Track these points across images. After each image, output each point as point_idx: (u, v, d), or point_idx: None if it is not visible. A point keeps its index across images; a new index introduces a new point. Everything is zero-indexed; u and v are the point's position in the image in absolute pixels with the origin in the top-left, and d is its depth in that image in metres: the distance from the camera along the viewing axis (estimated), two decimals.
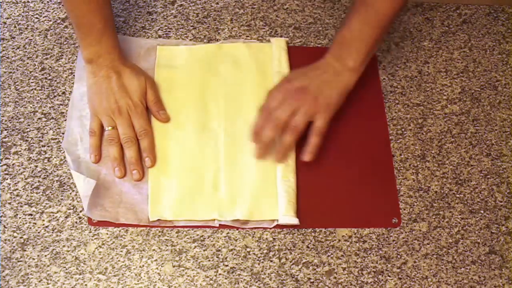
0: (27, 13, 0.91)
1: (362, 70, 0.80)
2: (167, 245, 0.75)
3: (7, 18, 0.91)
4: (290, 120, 0.76)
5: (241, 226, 0.76)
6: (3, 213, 0.76)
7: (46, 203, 0.77)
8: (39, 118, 0.83)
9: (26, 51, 0.88)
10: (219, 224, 0.76)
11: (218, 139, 0.81)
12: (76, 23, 0.79)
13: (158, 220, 0.75)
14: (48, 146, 0.81)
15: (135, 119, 0.79)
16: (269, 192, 0.78)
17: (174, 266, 0.74)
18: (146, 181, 0.78)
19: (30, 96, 0.84)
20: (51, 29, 0.90)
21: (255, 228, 0.76)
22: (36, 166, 0.79)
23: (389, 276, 0.74)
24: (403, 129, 0.85)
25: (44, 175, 0.79)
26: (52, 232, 0.75)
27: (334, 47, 0.81)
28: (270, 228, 0.76)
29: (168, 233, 0.76)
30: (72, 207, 0.77)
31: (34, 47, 0.88)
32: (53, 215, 0.76)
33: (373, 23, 0.78)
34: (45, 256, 0.74)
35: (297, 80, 0.80)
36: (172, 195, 0.77)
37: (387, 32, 0.85)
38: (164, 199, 0.77)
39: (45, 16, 0.91)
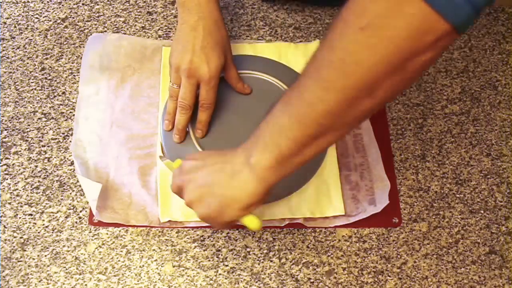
0: (27, 13, 0.91)
1: (275, 182, 0.58)
2: (167, 245, 0.75)
3: (7, 18, 0.91)
4: None
5: None
6: (3, 213, 0.76)
7: (46, 203, 0.77)
8: (39, 118, 0.83)
9: (26, 51, 0.88)
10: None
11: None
12: None
13: (169, 221, 0.75)
14: (48, 146, 0.81)
15: (204, 90, 0.76)
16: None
17: (174, 266, 0.74)
18: (155, 181, 0.78)
19: (30, 96, 0.84)
20: (51, 29, 0.90)
21: (266, 227, 0.76)
22: (36, 166, 0.79)
23: (389, 276, 0.74)
24: (403, 129, 0.85)
25: (44, 175, 0.79)
26: (52, 232, 0.75)
27: (249, 139, 0.60)
28: (282, 227, 0.76)
29: (168, 233, 0.76)
30: (72, 207, 0.77)
31: (34, 47, 0.88)
32: (53, 215, 0.76)
33: (301, 117, 0.54)
34: (45, 256, 0.74)
35: (187, 175, 0.63)
36: None
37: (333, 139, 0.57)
38: (174, 200, 0.76)
39: (45, 16, 0.91)
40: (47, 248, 0.74)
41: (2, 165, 0.79)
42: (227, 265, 0.74)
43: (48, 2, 0.93)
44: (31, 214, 0.76)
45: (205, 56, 0.75)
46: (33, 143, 0.81)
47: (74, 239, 0.75)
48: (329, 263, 0.75)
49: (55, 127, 0.82)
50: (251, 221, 0.61)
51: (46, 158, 0.80)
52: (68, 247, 0.74)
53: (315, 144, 0.55)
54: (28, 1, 0.93)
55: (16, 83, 0.85)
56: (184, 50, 0.75)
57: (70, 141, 0.80)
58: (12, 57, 0.87)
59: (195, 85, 0.76)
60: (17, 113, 0.83)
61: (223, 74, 0.80)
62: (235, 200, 0.59)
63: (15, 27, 0.90)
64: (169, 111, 0.79)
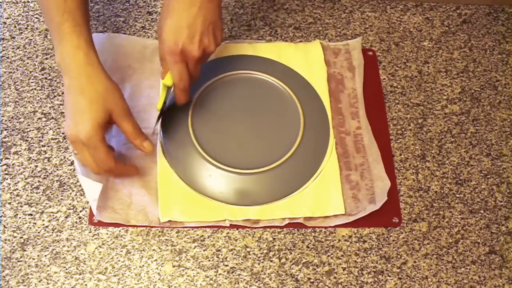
0: (27, 13, 0.91)
1: None
2: (167, 245, 0.75)
3: (7, 18, 0.91)
4: None
5: (252, 225, 0.76)
6: (3, 213, 0.76)
7: (46, 203, 0.77)
8: (39, 118, 0.83)
9: (26, 51, 0.88)
10: (230, 224, 0.76)
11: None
12: (43, 13, 0.70)
13: (169, 221, 0.75)
14: (48, 146, 0.81)
15: (91, 154, 0.71)
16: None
17: (174, 266, 0.74)
18: (155, 181, 0.78)
19: (30, 96, 0.84)
20: None
21: (266, 227, 0.76)
22: (36, 166, 0.79)
23: (389, 276, 0.74)
24: (403, 129, 0.85)
25: (44, 175, 0.79)
26: (52, 232, 0.75)
27: None
28: (282, 227, 0.76)
29: (168, 233, 0.76)
30: (72, 207, 0.77)
31: (34, 47, 0.88)
32: (53, 215, 0.76)
33: None
34: (45, 256, 0.74)
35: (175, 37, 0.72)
36: (182, 196, 0.77)
37: None
38: (174, 200, 0.76)
39: None
40: (47, 248, 0.74)
41: (2, 165, 0.79)
42: (227, 265, 0.74)
43: None
44: (31, 214, 0.76)
45: (79, 118, 0.69)
46: (33, 143, 0.81)
47: (74, 239, 0.75)
48: (329, 263, 0.75)
49: (55, 127, 0.82)
50: None
51: (46, 158, 0.80)
52: (68, 247, 0.74)
53: None
54: (28, 1, 0.93)
55: (16, 83, 0.85)
56: (65, 116, 0.71)
57: None
58: (12, 57, 0.87)
59: (85, 148, 0.70)
60: (17, 113, 0.83)
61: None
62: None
63: (15, 27, 0.90)
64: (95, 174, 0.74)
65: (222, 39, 0.76)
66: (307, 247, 0.75)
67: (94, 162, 0.71)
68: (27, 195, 0.77)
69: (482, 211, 0.79)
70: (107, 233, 0.75)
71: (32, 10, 0.92)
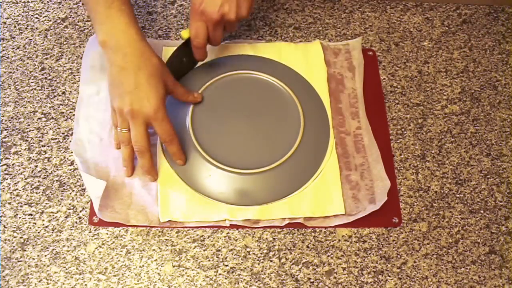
0: (27, 13, 0.91)
1: None
2: (167, 245, 0.75)
3: (7, 18, 0.91)
4: None
5: (252, 225, 0.76)
6: (3, 213, 0.76)
7: (46, 203, 0.77)
8: (39, 118, 0.83)
9: (26, 51, 0.88)
10: (230, 224, 0.76)
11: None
12: None
13: (169, 221, 0.75)
14: (48, 146, 0.81)
15: (156, 126, 0.73)
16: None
17: (174, 266, 0.74)
18: (156, 182, 0.78)
19: (30, 96, 0.84)
20: (51, 29, 0.90)
21: (266, 227, 0.76)
22: (36, 166, 0.79)
23: (389, 276, 0.74)
24: (403, 129, 0.85)
25: (44, 175, 0.79)
26: (52, 232, 0.75)
27: None
28: (282, 227, 0.76)
29: (168, 233, 0.76)
30: (72, 207, 0.77)
31: (34, 47, 0.88)
32: (53, 215, 0.76)
33: None
34: (45, 256, 0.74)
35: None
36: (182, 196, 0.77)
37: None
38: (174, 200, 0.76)
39: (45, 16, 0.91)
40: (47, 248, 0.74)
41: (2, 165, 0.79)
42: (227, 265, 0.74)
43: (48, 2, 0.93)
44: (31, 214, 0.76)
45: (143, 93, 0.72)
46: (33, 143, 0.81)
47: (74, 239, 0.75)
48: (329, 263, 0.75)
49: (55, 127, 0.82)
50: None
51: (46, 158, 0.80)
52: (68, 247, 0.74)
53: None
54: (28, 1, 0.93)
55: (16, 83, 0.85)
56: (121, 93, 0.72)
57: (70, 141, 0.80)
58: (12, 57, 0.88)
59: (144, 124, 0.73)
60: (17, 113, 0.83)
61: (173, 94, 0.79)
62: None
63: (15, 27, 0.90)
64: (125, 158, 0.76)
65: (249, 12, 0.79)
66: (307, 247, 0.75)
67: (146, 139, 0.74)
68: (27, 195, 0.77)
69: (482, 211, 0.79)
70: (107, 233, 0.75)
71: (32, 10, 0.92)
